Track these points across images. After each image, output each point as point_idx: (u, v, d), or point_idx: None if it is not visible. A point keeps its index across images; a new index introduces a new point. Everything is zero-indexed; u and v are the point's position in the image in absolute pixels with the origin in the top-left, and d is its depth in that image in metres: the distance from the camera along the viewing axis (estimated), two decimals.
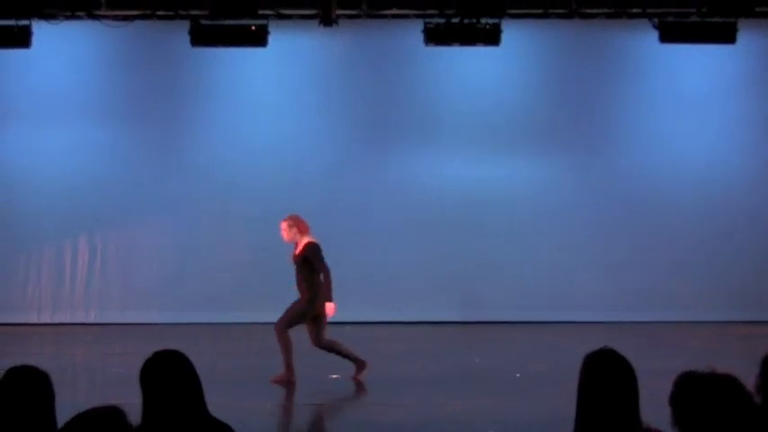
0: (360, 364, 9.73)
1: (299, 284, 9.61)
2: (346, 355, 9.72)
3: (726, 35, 12.58)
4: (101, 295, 13.96)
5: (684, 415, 2.73)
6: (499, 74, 14.01)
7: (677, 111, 14.05)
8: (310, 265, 9.55)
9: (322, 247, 9.56)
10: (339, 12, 12.88)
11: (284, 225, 9.67)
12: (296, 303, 9.63)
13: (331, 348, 9.67)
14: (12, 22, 12.41)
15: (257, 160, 13.88)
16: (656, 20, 12.76)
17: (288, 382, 9.49)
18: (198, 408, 3.71)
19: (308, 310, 9.54)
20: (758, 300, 13.78)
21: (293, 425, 8.69)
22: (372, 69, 14.04)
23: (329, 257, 9.56)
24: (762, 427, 2.76)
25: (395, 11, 13.20)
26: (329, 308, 9.43)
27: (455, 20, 12.53)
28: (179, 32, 12.70)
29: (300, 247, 9.57)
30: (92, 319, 13.85)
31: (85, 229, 13.97)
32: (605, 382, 3.55)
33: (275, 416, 8.89)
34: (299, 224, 9.63)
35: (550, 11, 13.13)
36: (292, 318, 9.53)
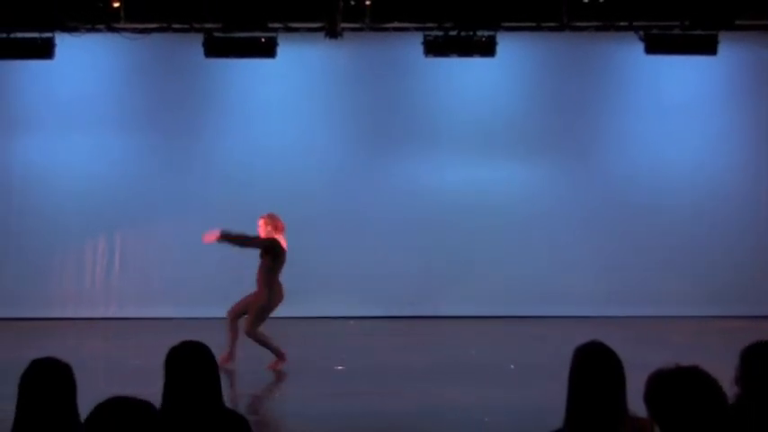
0: (280, 356, 9.87)
1: (258, 279, 9.83)
2: (273, 349, 9.87)
3: (707, 47, 12.58)
4: (119, 291, 13.95)
5: (659, 411, 2.74)
6: (495, 83, 14.00)
7: (662, 118, 14.04)
8: (271, 260, 9.64)
9: (280, 247, 9.78)
10: (344, 25, 12.86)
11: (261, 222, 9.92)
12: (253, 296, 9.77)
13: (257, 340, 9.83)
14: (36, 35, 12.43)
15: (266, 165, 13.86)
16: (641, 32, 12.77)
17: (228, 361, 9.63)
18: (216, 399, 3.71)
19: (267, 306, 9.77)
20: (739, 296, 13.76)
21: (300, 414, 8.68)
22: (375, 79, 14.03)
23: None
24: (730, 411, 2.77)
25: (396, 24, 13.19)
26: (208, 234, 9.66)
27: (453, 32, 12.53)
28: (193, 44, 12.70)
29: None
30: (111, 314, 13.84)
31: (105, 230, 13.96)
32: (594, 374, 3.56)
33: (282, 405, 8.89)
34: (273, 222, 9.86)
35: (542, 24, 13.12)
36: (257, 315, 9.72)
